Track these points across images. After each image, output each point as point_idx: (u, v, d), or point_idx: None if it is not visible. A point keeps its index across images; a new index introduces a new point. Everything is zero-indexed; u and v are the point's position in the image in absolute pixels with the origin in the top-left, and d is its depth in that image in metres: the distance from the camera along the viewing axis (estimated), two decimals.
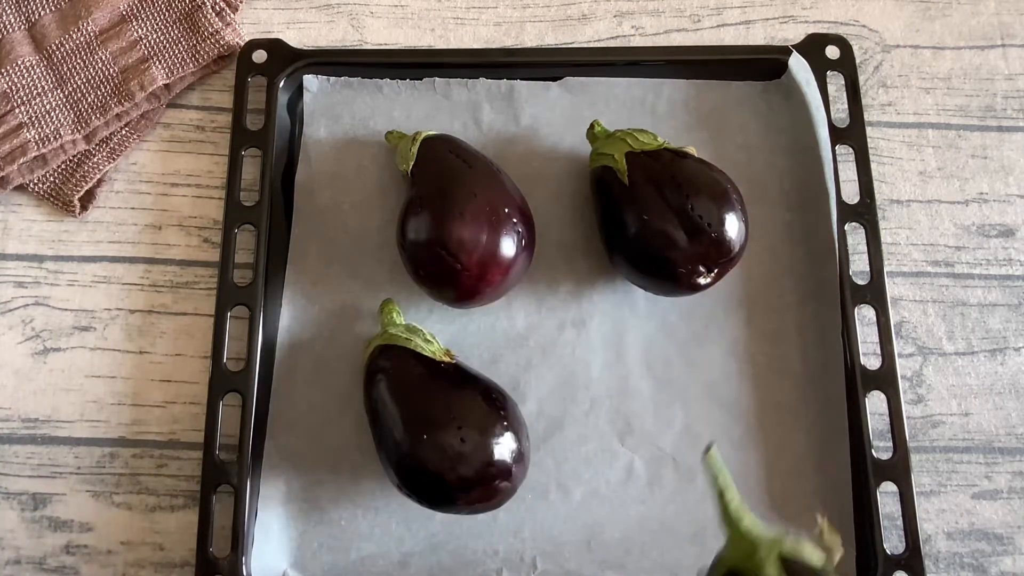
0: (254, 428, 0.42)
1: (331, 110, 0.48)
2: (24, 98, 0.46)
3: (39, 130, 0.46)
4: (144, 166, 0.48)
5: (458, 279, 0.39)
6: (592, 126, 0.45)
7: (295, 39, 0.49)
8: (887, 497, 0.41)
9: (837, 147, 0.45)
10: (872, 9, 0.51)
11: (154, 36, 0.48)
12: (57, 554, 0.42)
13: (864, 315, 0.44)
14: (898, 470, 0.41)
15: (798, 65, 0.46)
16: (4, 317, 0.45)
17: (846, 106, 0.47)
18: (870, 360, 0.43)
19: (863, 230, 0.45)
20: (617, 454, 0.43)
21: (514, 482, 0.37)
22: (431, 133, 0.44)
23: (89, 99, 0.47)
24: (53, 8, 0.49)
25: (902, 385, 0.43)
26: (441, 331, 0.44)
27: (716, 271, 0.40)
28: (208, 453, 0.41)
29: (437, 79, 0.48)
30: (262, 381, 0.43)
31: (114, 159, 0.47)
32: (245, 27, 0.50)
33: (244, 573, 0.40)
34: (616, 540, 0.41)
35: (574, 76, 0.48)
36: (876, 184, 0.46)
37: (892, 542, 0.41)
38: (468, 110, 0.47)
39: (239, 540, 0.40)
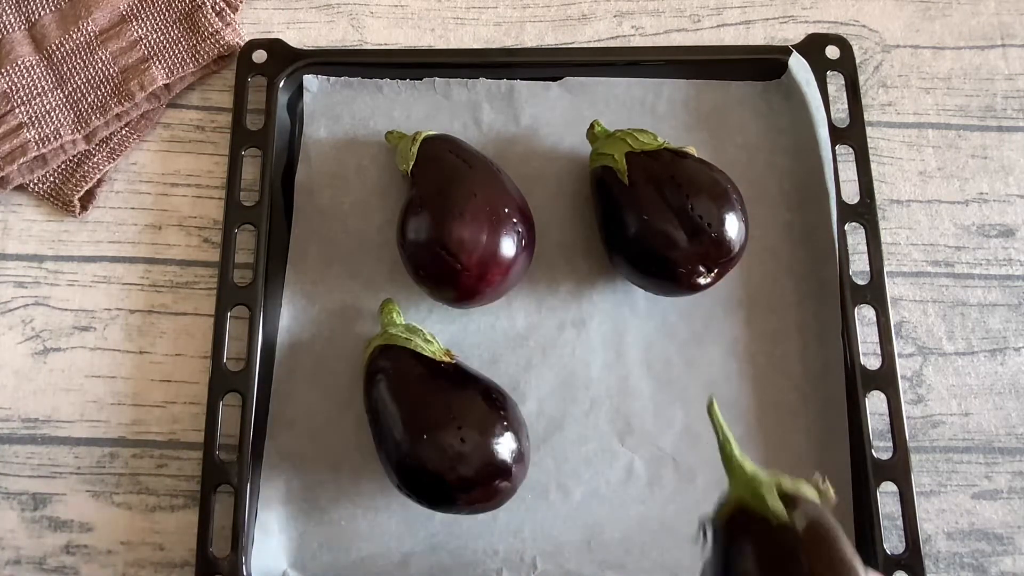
0: (254, 428, 0.42)
1: (331, 110, 0.48)
2: (24, 98, 0.46)
3: (39, 130, 0.46)
4: (144, 166, 0.48)
5: (458, 279, 0.39)
6: (592, 126, 0.45)
7: (295, 39, 0.49)
8: (887, 497, 0.41)
9: (837, 147, 0.45)
10: (872, 9, 0.51)
11: (154, 36, 0.48)
12: (57, 554, 0.42)
13: (864, 315, 0.44)
14: (898, 470, 0.41)
15: (798, 65, 0.46)
16: (4, 317, 0.45)
17: (846, 106, 0.47)
18: (870, 360, 0.43)
19: (863, 230, 0.45)
20: (617, 454, 0.43)
21: (514, 482, 0.37)
22: (431, 133, 0.44)
23: (89, 99, 0.47)
24: (53, 8, 0.49)
25: (902, 385, 0.43)
26: (441, 331, 0.44)
27: (716, 271, 0.40)
28: (208, 453, 0.41)
29: (437, 79, 0.48)
30: (262, 381, 0.43)
31: (114, 159, 0.47)
32: (245, 27, 0.50)
33: (244, 573, 0.40)
34: (616, 540, 0.41)
35: (574, 76, 0.48)
36: (876, 184, 0.46)
37: (892, 542, 0.41)
38: (468, 110, 0.47)
39: (239, 540, 0.40)
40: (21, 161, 0.45)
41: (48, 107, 0.46)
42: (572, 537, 0.41)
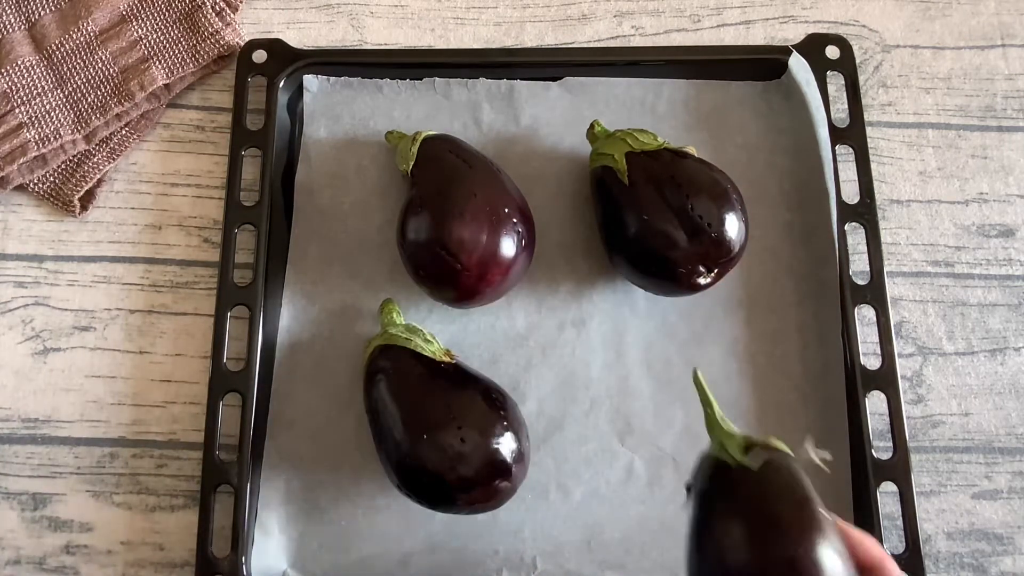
0: (254, 428, 0.42)
1: (331, 110, 0.48)
2: (24, 98, 0.46)
3: (39, 130, 0.46)
4: (144, 166, 0.48)
5: (458, 279, 0.39)
6: (592, 126, 0.45)
7: (295, 39, 0.49)
8: (887, 497, 0.41)
9: (837, 147, 0.45)
10: (872, 9, 0.51)
11: (154, 36, 0.48)
12: (57, 554, 0.42)
13: (864, 315, 0.44)
14: (898, 470, 0.41)
15: (798, 65, 0.46)
16: (4, 317, 0.45)
17: (846, 106, 0.47)
18: (870, 360, 0.43)
19: (863, 230, 0.45)
20: (617, 454, 0.43)
21: (514, 482, 0.37)
22: (431, 133, 0.44)
23: (89, 99, 0.47)
24: (53, 8, 0.49)
25: (902, 385, 0.43)
26: (441, 331, 0.44)
27: (716, 271, 0.40)
28: (208, 453, 0.41)
29: (437, 79, 0.48)
30: (262, 381, 0.43)
31: (114, 159, 0.47)
32: (245, 27, 0.50)
33: (244, 573, 0.40)
34: (616, 540, 0.41)
35: (574, 76, 0.48)
36: (876, 184, 0.46)
37: (892, 542, 0.41)
38: (468, 110, 0.47)
39: (239, 540, 0.40)
40: (21, 161, 0.45)
41: (48, 107, 0.46)
42: (572, 537, 0.41)
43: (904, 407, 0.42)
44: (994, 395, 0.44)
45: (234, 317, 0.44)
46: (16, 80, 0.47)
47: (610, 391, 0.43)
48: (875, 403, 0.42)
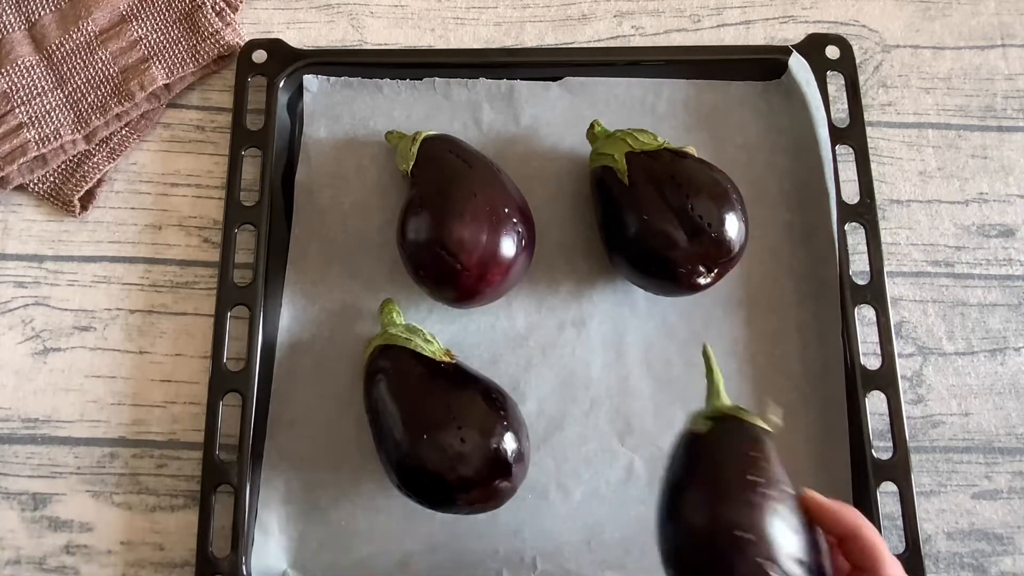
0: (254, 428, 0.42)
1: (331, 110, 0.48)
2: (24, 98, 0.46)
3: (39, 130, 0.46)
4: (144, 166, 0.48)
5: (458, 279, 0.39)
6: (592, 126, 0.45)
7: (295, 39, 0.49)
8: (887, 497, 0.41)
9: (837, 147, 0.45)
10: (872, 9, 0.51)
11: (154, 36, 0.48)
12: (57, 554, 0.42)
13: (864, 315, 0.44)
14: (898, 470, 0.41)
15: (798, 65, 0.46)
16: (4, 317, 0.45)
17: (846, 106, 0.47)
18: (870, 360, 0.43)
19: (863, 230, 0.45)
20: (617, 454, 0.42)
21: (514, 482, 0.37)
22: (431, 133, 0.44)
23: (89, 99, 0.47)
24: (53, 8, 0.49)
25: (902, 385, 0.43)
26: (441, 331, 0.44)
27: (716, 271, 0.40)
28: (208, 453, 0.41)
29: (437, 79, 0.48)
30: (262, 381, 0.43)
31: (114, 159, 0.47)
32: (245, 27, 0.50)
33: (244, 573, 0.40)
34: (616, 540, 0.41)
35: (574, 76, 0.48)
36: (876, 184, 0.46)
37: (892, 542, 0.41)
38: (468, 110, 0.47)
39: (239, 540, 0.40)
40: (21, 161, 0.45)
41: (48, 107, 0.46)
42: (572, 537, 0.41)
43: (904, 407, 0.42)
44: (994, 395, 0.44)
45: (234, 317, 0.44)
46: (16, 80, 0.47)
47: (610, 391, 0.43)
48: (875, 403, 0.42)
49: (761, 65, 0.48)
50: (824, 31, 0.49)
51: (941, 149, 0.48)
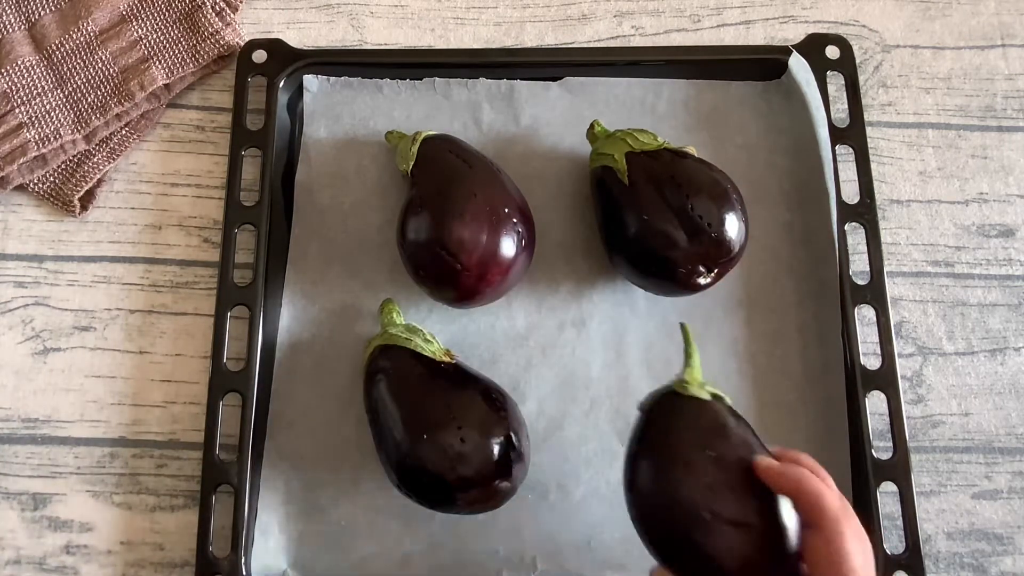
0: (254, 428, 0.42)
1: (331, 110, 0.48)
2: (24, 98, 0.46)
3: (39, 130, 0.46)
4: (144, 166, 0.48)
5: (458, 279, 0.39)
6: (592, 126, 0.45)
7: (295, 39, 0.49)
8: (887, 497, 0.41)
9: (837, 147, 0.45)
10: (872, 9, 0.51)
11: (154, 36, 0.48)
12: (57, 554, 0.42)
13: (864, 315, 0.44)
14: (898, 470, 0.41)
15: (798, 65, 0.46)
16: (4, 317, 0.45)
17: (846, 106, 0.47)
18: (870, 360, 0.43)
19: (863, 230, 0.45)
20: (617, 454, 0.42)
21: (514, 482, 0.37)
22: (431, 133, 0.44)
23: (89, 99, 0.47)
24: (53, 8, 0.49)
25: (902, 385, 0.43)
26: (441, 331, 0.44)
27: (716, 271, 0.40)
28: (208, 453, 0.41)
29: (437, 79, 0.48)
30: (262, 381, 0.43)
31: (114, 159, 0.47)
32: (245, 27, 0.50)
33: (244, 573, 0.40)
34: (616, 540, 0.41)
35: (574, 76, 0.48)
36: (876, 184, 0.46)
37: (892, 542, 0.41)
38: (468, 110, 0.47)
39: (239, 540, 0.40)
40: (21, 161, 0.45)
41: (48, 107, 0.46)
42: (572, 537, 0.41)
43: (904, 407, 0.42)
44: (994, 395, 0.44)
45: (234, 317, 0.44)
46: (16, 80, 0.47)
47: (610, 391, 0.43)
48: (875, 403, 0.42)
49: (761, 65, 0.48)
50: (824, 31, 0.49)
51: (941, 149, 0.48)
